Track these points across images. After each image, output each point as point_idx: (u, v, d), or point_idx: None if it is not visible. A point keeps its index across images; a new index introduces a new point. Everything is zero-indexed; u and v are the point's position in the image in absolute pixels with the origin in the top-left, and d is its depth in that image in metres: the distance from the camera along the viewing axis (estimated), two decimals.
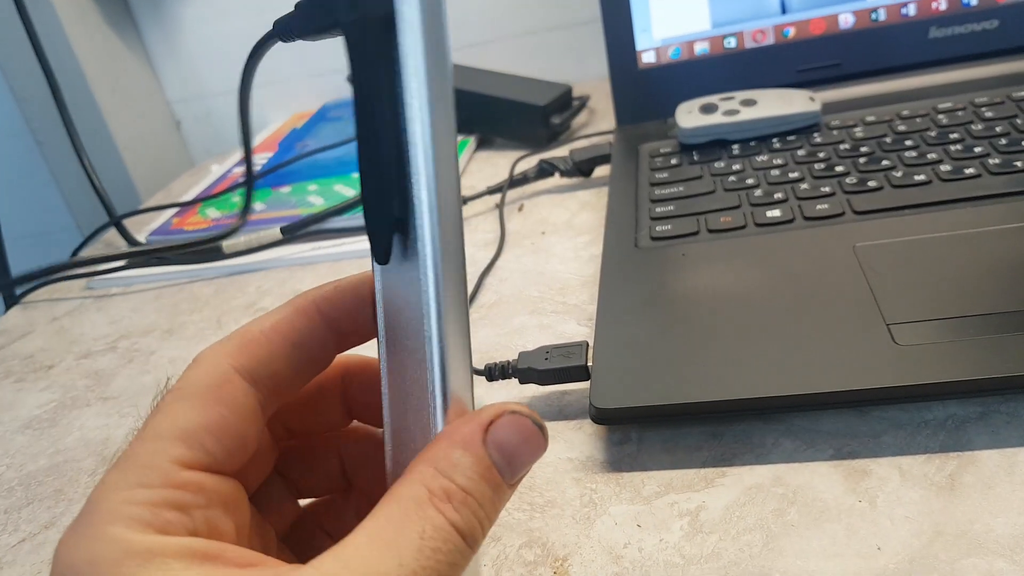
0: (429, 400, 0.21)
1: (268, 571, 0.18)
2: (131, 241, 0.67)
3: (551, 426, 0.38)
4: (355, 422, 0.26)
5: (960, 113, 0.52)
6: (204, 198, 0.72)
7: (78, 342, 0.57)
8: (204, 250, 0.62)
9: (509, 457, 0.20)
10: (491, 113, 0.71)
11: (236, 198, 0.70)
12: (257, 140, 0.85)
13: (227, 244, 0.61)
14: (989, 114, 0.50)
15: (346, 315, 0.23)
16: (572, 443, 0.37)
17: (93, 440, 0.46)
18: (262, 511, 0.24)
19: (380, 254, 0.21)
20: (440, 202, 0.20)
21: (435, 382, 0.21)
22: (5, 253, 0.68)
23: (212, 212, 0.69)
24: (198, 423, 0.20)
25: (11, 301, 0.65)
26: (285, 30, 0.24)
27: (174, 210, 0.72)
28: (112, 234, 0.72)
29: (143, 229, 0.70)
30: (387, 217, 0.20)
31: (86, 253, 0.72)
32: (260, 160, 0.78)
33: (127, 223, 0.69)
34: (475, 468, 0.19)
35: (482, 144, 0.74)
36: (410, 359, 0.21)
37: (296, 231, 0.61)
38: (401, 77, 0.19)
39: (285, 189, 0.69)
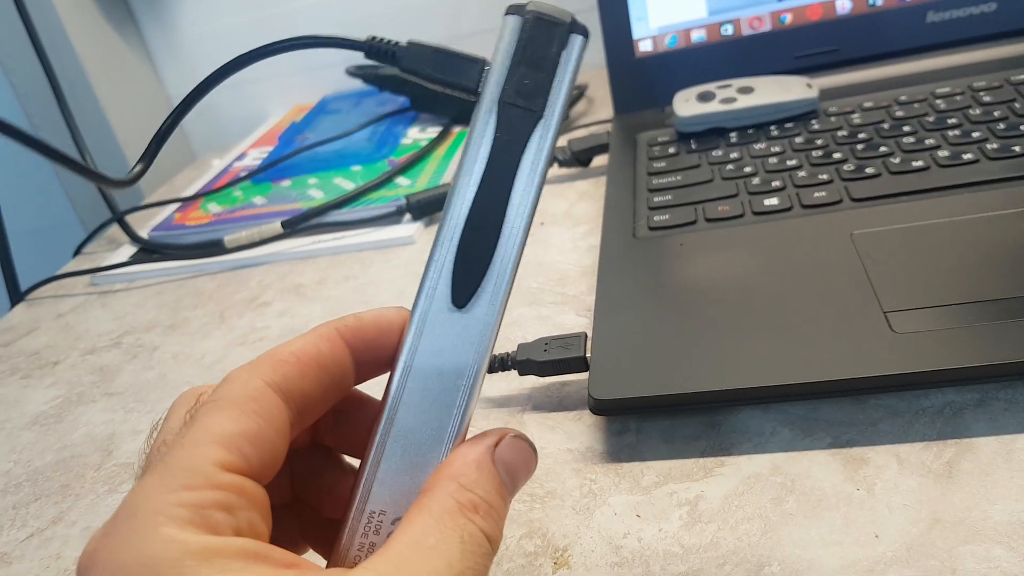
0: (449, 427, 0.23)
1: (312, 572, 0.19)
2: (134, 237, 0.67)
3: (551, 417, 0.38)
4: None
5: (958, 98, 0.51)
6: (206, 193, 0.72)
7: (83, 338, 0.57)
8: (207, 245, 0.62)
9: (512, 474, 0.23)
10: None
11: (238, 192, 0.71)
12: (257, 134, 0.85)
13: (228, 239, 0.62)
14: (987, 98, 0.50)
15: (366, 345, 0.24)
16: (571, 434, 0.37)
17: (99, 436, 0.46)
18: None
19: (460, 298, 0.23)
20: (514, 274, 0.24)
21: (461, 417, 0.24)
22: (9, 249, 0.68)
23: (213, 207, 0.69)
24: (236, 430, 0.20)
25: (16, 298, 0.66)
26: (411, 66, 0.27)
27: (176, 205, 0.72)
28: (115, 230, 0.72)
29: (145, 225, 0.70)
30: (480, 270, 0.23)
31: (89, 249, 0.72)
32: (260, 154, 0.78)
33: (129, 219, 0.69)
34: (491, 483, 0.22)
35: None
36: (436, 390, 0.24)
37: (297, 225, 0.61)
38: (523, 163, 0.24)
39: (285, 183, 0.70)
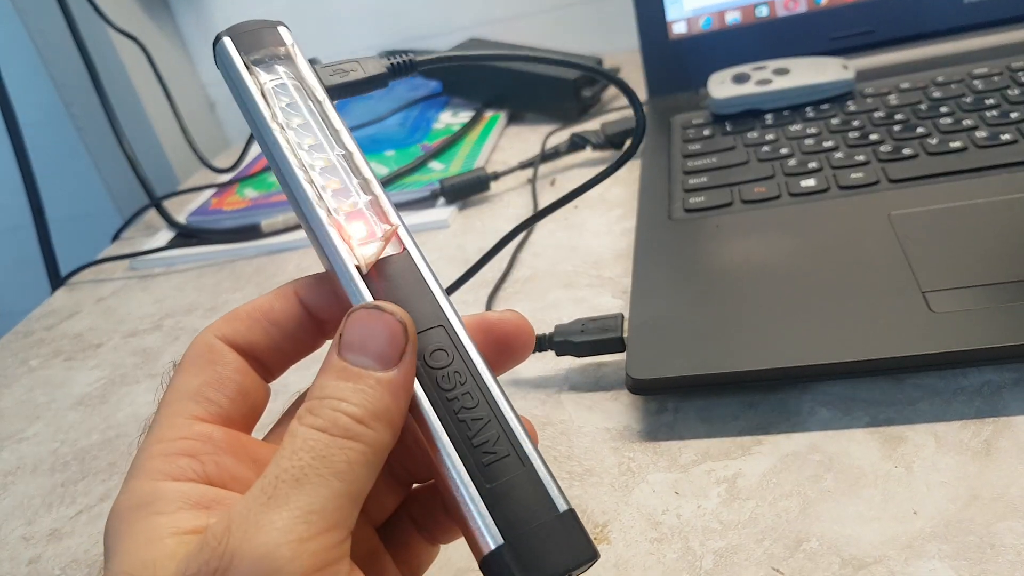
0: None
1: (229, 505, 0.21)
2: (171, 222, 0.68)
3: (588, 397, 0.39)
4: None
5: (996, 78, 0.51)
6: (241, 178, 0.73)
7: (124, 321, 0.58)
8: (244, 229, 0.63)
9: (361, 348, 0.22)
10: (522, 88, 0.72)
11: (272, 177, 0.72)
12: None
13: (265, 223, 0.62)
14: None
15: (323, 303, 0.25)
16: (609, 413, 0.38)
17: (143, 415, 0.47)
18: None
19: None
20: None
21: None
22: (50, 235, 0.70)
23: (249, 192, 0.70)
24: (199, 381, 0.23)
25: (57, 283, 0.67)
26: None
27: (212, 190, 0.73)
28: (152, 215, 0.74)
29: (182, 210, 0.71)
30: None
31: (127, 235, 0.74)
32: None
33: (165, 204, 0.70)
34: (331, 377, 0.21)
35: (513, 119, 0.75)
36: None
37: None
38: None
39: None
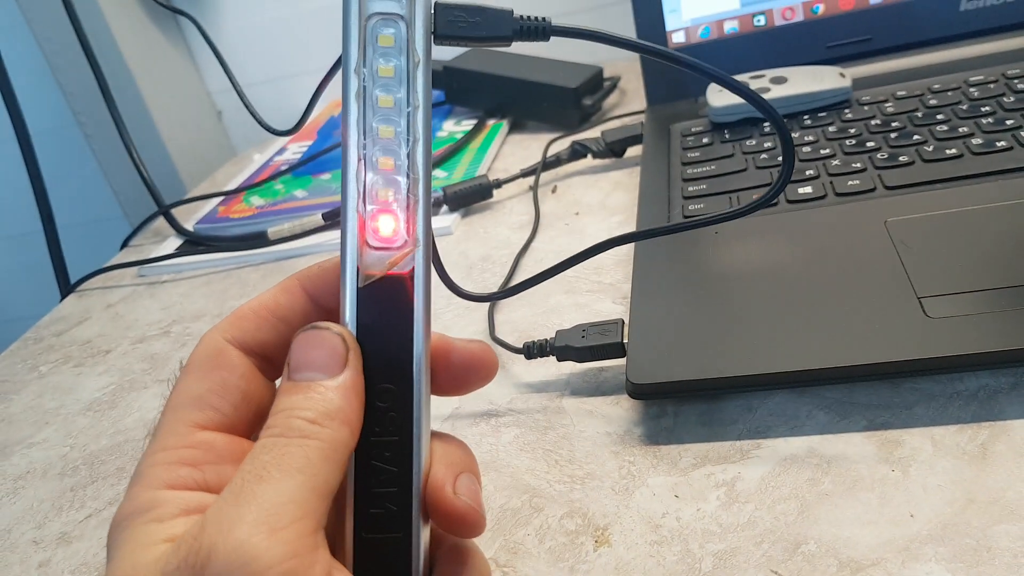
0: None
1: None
2: (180, 230, 0.69)
3: (589, 401, 0.39)
4: None
5: (991, 86, 0.52)
6: (248, 186, 0.73)
7: (133, 327, 0.59)
8: (251, 237, 0.64)
9: (306, 365, 0.23)
10: (523, 96, 0.72)
11: (279, 186, 0.72)
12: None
13: (272, 231, 0.63)
14: (1021, 85, 0.50)
15: (329, 293, 0.25)
16: (609, 418, 0.38)
17: (151, 420, 0.48)
18: None
19: None
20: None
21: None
22: (59, 243, 0.71)
23: (256, 200, 0.71)
24: (203, 388, 0.23)
25: (67, 290, 0.68)
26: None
27: (219, 199, 0.74)
28: (160, 223, 0.74)
29: (190, 218, 0.72)
30: None
31: (135, 242, 0.74)
32: (299, 149, 0.80)
33: (174, 212, 0.71)
34: (282, 395, 0.23)
35: (514, 127, 0.75)
36: None
37: (337, 217, 0.63)
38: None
39: (325, 176, 0.71)
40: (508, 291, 0.40)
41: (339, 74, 0.24)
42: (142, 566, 0.20)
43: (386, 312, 0.23)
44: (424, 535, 0.24)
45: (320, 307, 0.26)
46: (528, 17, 0.26)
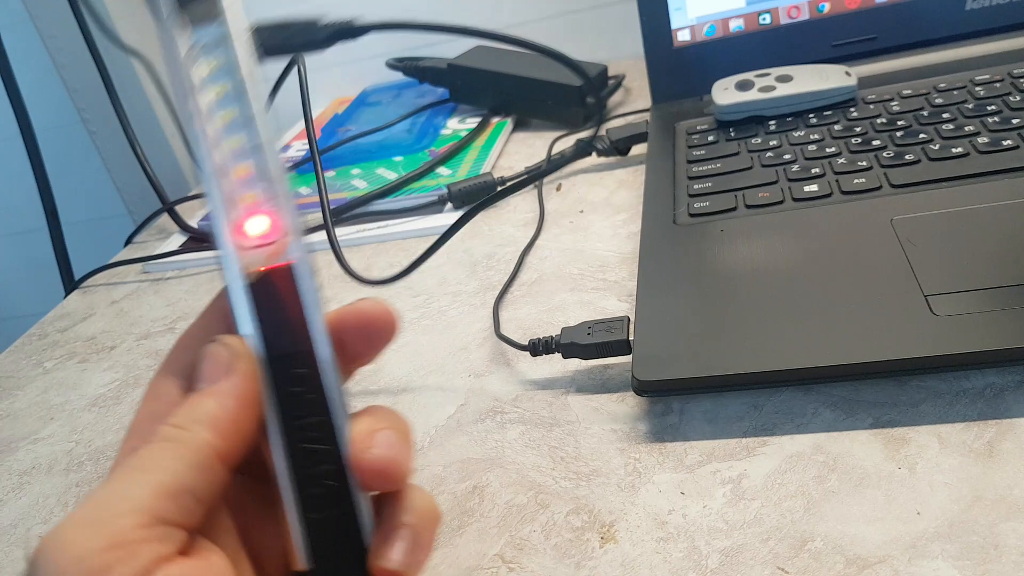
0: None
1: None
2: (184, 226, 0.69)
3: (595, 398, 0.39)
4: None
5: (997, 84, 0.52)
6: None
7: (137, 324, 0.59)
8: None
9: (198, 377, 0.24)
10: (528, 94, 0.72)
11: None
12: (300, 126, 0.87)
13: None
14: None
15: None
16: (615, 415, 0.38)
17: None
18: None
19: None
20: None
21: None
22: (64, 239, 0.71)
23: None
24: (138, 421, 0.25)
25: (71, 286, 0.68)
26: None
27: None
28: (164, 220, 0.74)
29: (194, 215, 0.72)
30: None
31: (139, 239, 0.75)
32: (303, 146, 0.80)
33: (178, 208, 0.71)
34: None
35: (519, 125, 0.75)
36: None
37: (342, 214, 0.63)
38: None
39: (329, 173, 0.71)
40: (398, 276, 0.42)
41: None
42: None
43: (279, 303, 0.24)
44: (368, 503, 0.24)
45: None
46: (335, 21, 0.27)
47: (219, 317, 0.26)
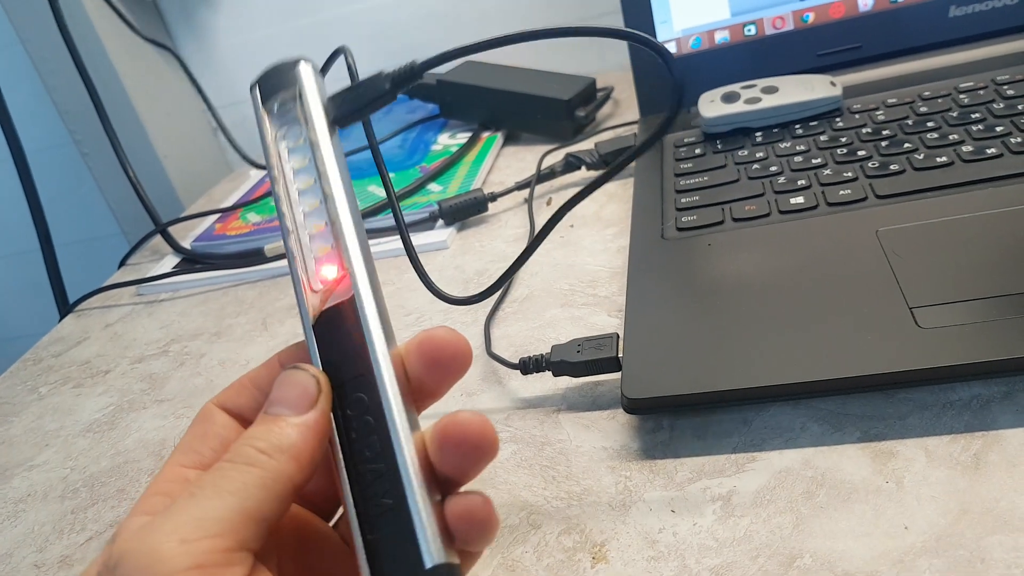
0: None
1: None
2: (177, 248, 0.69)
3: (585, 416, 0.40)
4: None
5: (981, 92, 0.52)
6: (245, 203, 0.74)
7: (131, 347, 0.59)
8: (247, 254, 0.64)
9: (279, 401, 0.25)
10: (517, 109, 0.73)
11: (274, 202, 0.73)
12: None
13: (269, 247, 0.63)
14: (1011, 92, 0.51)
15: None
16: (606, 432, 0.38)
17: (151, 441, 0.48)
18: None
19: None
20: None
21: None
22: (57, 263, 0.71)
23: (253, 216, 0.71)
24: (189, 437, 0.27)
25: (65, 310, 0.68)
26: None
27: (216, 216, 0.74)
28: (158, 241, 0.75)
29: (187, 235, 0.73)
30: None
31: (133, 260, 0.75)
32: None
33: (171, 230, 0.72)
34: (254, 424, 0.25)
35: (509, 139, 0.76)
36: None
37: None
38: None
39: None
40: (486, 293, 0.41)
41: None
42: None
43: (340, 336, 0.26)
44: (429, 519, 0.24)
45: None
46: (396, 69, 0.29)
47: (271, 371, 0.28)
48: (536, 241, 0.37)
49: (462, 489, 0.26)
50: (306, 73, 0.29)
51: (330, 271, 0.27)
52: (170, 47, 0.77)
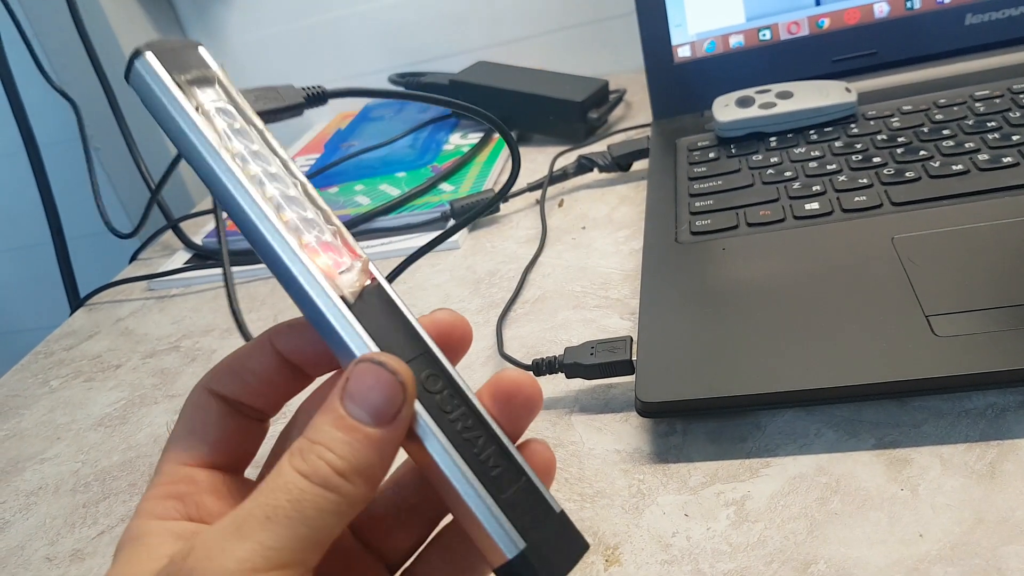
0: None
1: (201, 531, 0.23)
2: (188, 243, 0.69)
3: (598, 419, 0.40)
4: None
5: (997, 100, 0.52)
6: None
7: (143, 342, 0.59)
8: None
9: (360, 400, 0.23)
10: (529, 110, 0.73)
11: None
12: (303, 142, 0.88)
13: None
14: None
15: (295, 348, 0.27)
16: (619, 435, 0.38)
17: (162, 436, 0.48)
18: None
19: None
20: None
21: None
22: (69, 258, 0.71)
23: None
24: (186, 430, 0.26)
25: (76, 304, 0.68)
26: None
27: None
28: (169, 236, 0.75)
29: (199, 231, 0.73)
30: None
31: (144, 255, 0.75)
32: (307, 162, 0.80)
33: (182, 226, 0.72)
34: (327, 422, 0.23)
35: (521, 141, 0.76)
36: None
37: (352, 228, 0.63)
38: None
39: (332, 190, 0.72)
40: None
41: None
42: None
43: (381, 317, 0.25)
44: (534, 473, 0.25)
45: (287, 363, 0.27)
46: (309, 87, 0.30)
47: (263, 352, 0.27)
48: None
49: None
50: (211, 59, 0.26)
51: (333, 259, 0.25)
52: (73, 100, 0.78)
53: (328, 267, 0.24)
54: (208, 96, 0.25)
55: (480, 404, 0.25)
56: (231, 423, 0.27)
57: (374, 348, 0.24)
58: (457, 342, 0.27)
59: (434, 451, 0.24)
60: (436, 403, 0.24)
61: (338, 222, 0.26)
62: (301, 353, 0.27)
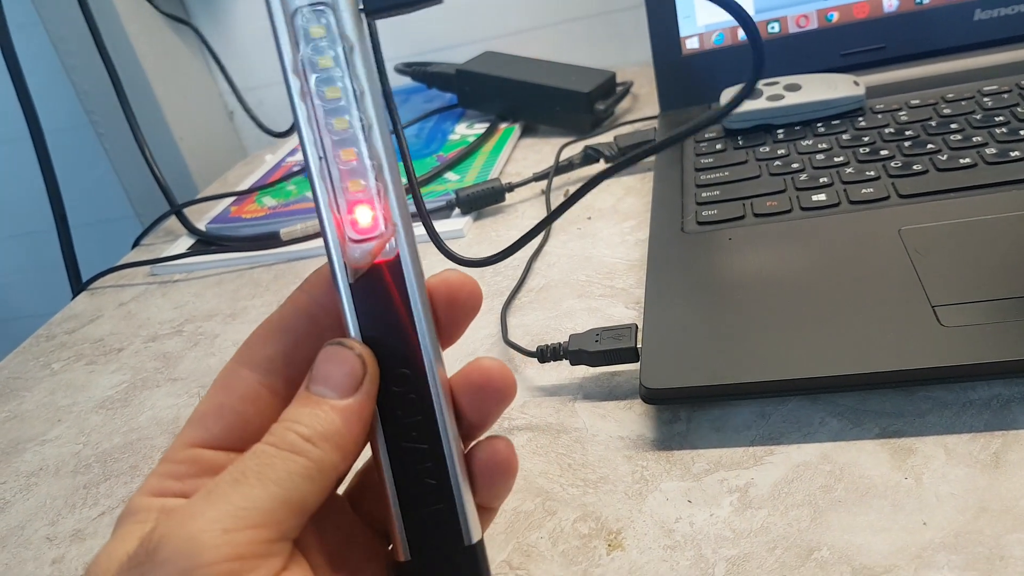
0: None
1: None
2: (192, 229, 0.69)
3: (602, 405, 0.40)
4: None
5: (1005, 95, 0.52)
6: (261, 187, 0.74)
7: (145, 326, 0.59)
8: (263, 237, 0.64)
9: (323, 380, 0.24)
10: (536, 100, 0.73)
11: (291, 186, 0.73)
12: None
13: (284, 231, 0.63)
14: None
15: (330, 295, 0.26)
16: (623, 422, 0.38)
17: (164, 419, 0.48)
18: None
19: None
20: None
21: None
22: (72, 241, 0.71)
23: (268, 200, 0.71)
24: (203, 410, 0.26)
25: (79, 288, 0.68)
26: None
27: (231, 199, 0.74)
28: (172, 222, 0.75)
29: (202, 218, 0.73)
30: None
31: (147, 241, 0.75)
32: None
33: (186, 211, 0.72)
34: (295, 404, 0.24)
35: (527, 131, 0.76)
36: None
37: None
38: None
39: None
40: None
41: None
42: (114, 556, 0.22)
43: (383, 301, 0.24)
44: (467, 498, 0.25)
45: (325, 309, 0.26)
46: None
47: (299, 311, 0.26)
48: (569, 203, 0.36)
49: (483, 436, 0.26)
50: None
51: (365, 216, 0.23)
52: (191, 23, 0.77)
53: (347, 234, 0.23)
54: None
55: (445, 409, 0.24)
56: (257, 401, 0.26)
57: (356, 333, 0.24)
58: (465, 299, 0.26)
59: (375, 446, 0.25)
60: (392, 402, 0.24)
61: (389, 178, 0.23)
62: (326, 312, 0.26)
